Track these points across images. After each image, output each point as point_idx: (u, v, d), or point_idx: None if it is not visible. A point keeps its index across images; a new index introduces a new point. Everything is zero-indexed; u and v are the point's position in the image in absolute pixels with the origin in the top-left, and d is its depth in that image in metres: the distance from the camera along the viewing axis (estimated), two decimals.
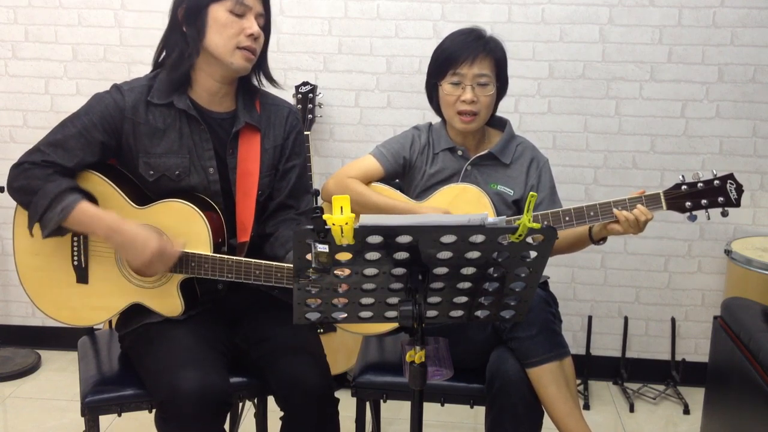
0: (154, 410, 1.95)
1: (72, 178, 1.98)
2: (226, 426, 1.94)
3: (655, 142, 3.12)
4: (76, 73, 3.25)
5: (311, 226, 1.42)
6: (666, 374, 3.25)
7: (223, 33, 1.95)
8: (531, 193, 1.57)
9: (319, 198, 2.48)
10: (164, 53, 2.05)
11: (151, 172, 2.01)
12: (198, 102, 2.04)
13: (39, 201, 1.92)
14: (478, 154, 2.23)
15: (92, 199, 1.99)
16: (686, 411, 3.05)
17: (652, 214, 2.03)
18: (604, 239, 2.12)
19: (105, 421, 2.35)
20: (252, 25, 1.96)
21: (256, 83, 2.12)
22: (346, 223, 1.40)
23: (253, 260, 1.96)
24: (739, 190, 2.04)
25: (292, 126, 2.15)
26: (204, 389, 1.81)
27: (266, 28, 2.04)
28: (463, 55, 2.13)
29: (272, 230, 2.13)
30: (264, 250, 2.13)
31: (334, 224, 1.40)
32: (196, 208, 1.97)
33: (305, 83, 3.06)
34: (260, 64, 2.08)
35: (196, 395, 1.80)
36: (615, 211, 2.02)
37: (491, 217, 1.47)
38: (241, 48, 1.96)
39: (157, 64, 2.07)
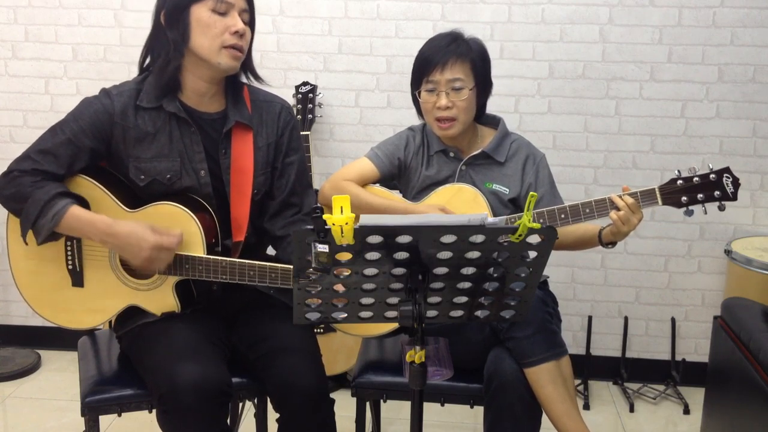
0: (155, 409, 1.95)
1: (61, 182, 1.97)
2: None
3: (655, 142, 3.12)
4: (76, 73, 3.25)
5: (311, 226, 1.42)
6: (666, 374, 3.25)
7: (207, 33, 1.91)
8: (531, 192, 1.57)
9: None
10: (149, 58, 2.03)
11: (142, 177, 2.00)
12: (187, 104, 2.02)
13: (30, 209, 1.91)
14: (471, 154, 2.23)
15: (83, 202, 1.97)
16: (686, 411, 3.05)
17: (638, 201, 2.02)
18: (613, 243, 2.11)
19: (105, 421, 2.35)
20: (236, 23, 1.93)
21: (245, 80, 2.09)
22: (346, 223, 1.40)
23: (247, 261, 1.95)
24: (736, 183, 2.02)
25: (285, 122, 2.12)
26: (203, 381, 1.81)
27: (251, 24, 2.01)
28: (434, 61, 2.12)
29: (283, 233, 2.11)
30: (276, 254, 2.13)
31: (334, 224, 1.40)
32: (187, 209, 1.96)
33: (305, 83, 3.06)
34: (246, 62, 2.04)
35: (195, 386, 1.80)
36: (611, 213, 2.02)
37: (491, 217, 1.47)
38: (227, 47, 1.93)
39: (143, 69, 2.05)
